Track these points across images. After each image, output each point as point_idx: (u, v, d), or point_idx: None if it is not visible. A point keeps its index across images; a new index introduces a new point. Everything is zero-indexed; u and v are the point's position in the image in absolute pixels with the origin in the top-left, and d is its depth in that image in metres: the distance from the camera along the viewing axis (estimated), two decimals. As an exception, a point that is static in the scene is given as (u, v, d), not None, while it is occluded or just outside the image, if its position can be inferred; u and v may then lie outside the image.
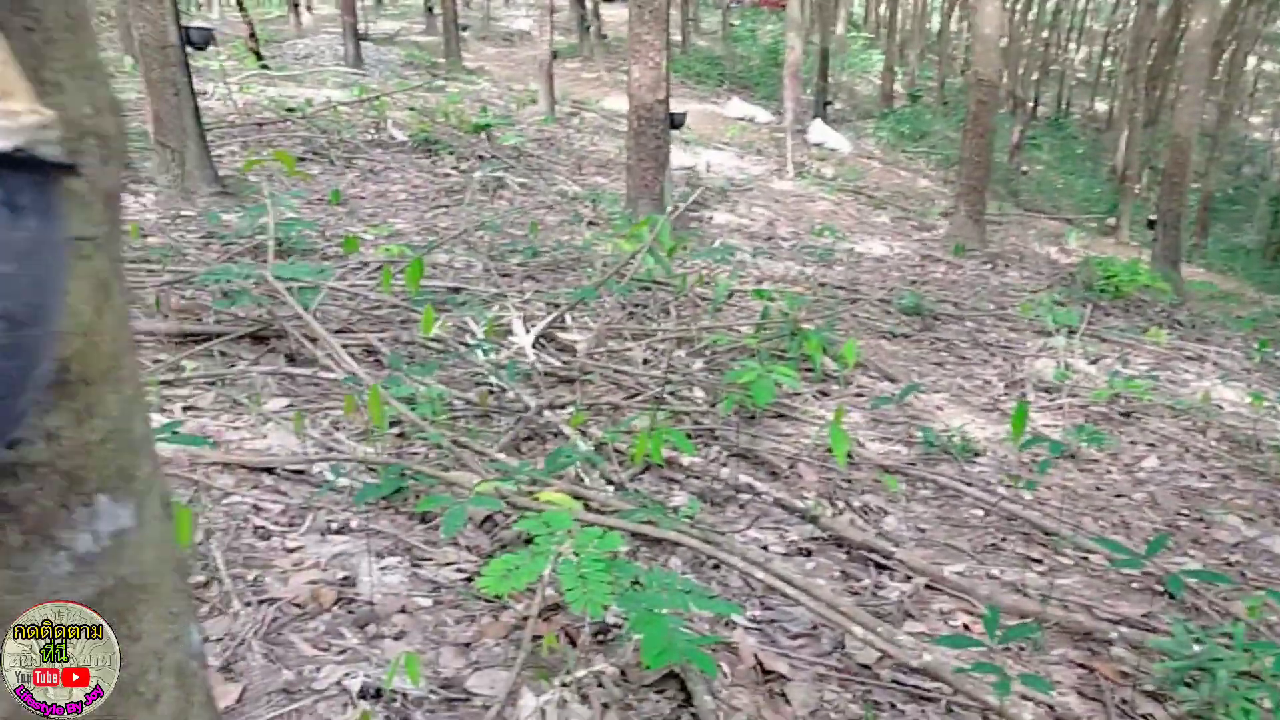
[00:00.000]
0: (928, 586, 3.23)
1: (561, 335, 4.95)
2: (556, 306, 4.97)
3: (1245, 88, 39.38)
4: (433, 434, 3.14)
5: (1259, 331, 10.14)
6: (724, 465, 3.86)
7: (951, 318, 7.22)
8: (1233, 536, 4.17)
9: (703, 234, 8.56)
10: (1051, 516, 3.91)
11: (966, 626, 3.04)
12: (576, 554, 2.22)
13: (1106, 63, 40.11)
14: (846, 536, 3.38)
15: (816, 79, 20.42)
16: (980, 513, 3.91)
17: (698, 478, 3.72)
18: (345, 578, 2.55)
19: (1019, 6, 24.55)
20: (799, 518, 3.51)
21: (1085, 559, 3.63)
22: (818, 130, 18.56)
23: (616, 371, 4.65)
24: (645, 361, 4.88)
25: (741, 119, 18.73)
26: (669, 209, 6.51)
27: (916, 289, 7.98)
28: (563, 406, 4.10)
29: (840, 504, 3.78)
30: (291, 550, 2.67)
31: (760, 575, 2.71)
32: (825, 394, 5.03)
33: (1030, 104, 31.35)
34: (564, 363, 4.63)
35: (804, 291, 7.15)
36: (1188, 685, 2.66)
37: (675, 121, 8.40)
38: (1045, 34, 32.88)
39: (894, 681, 2.62)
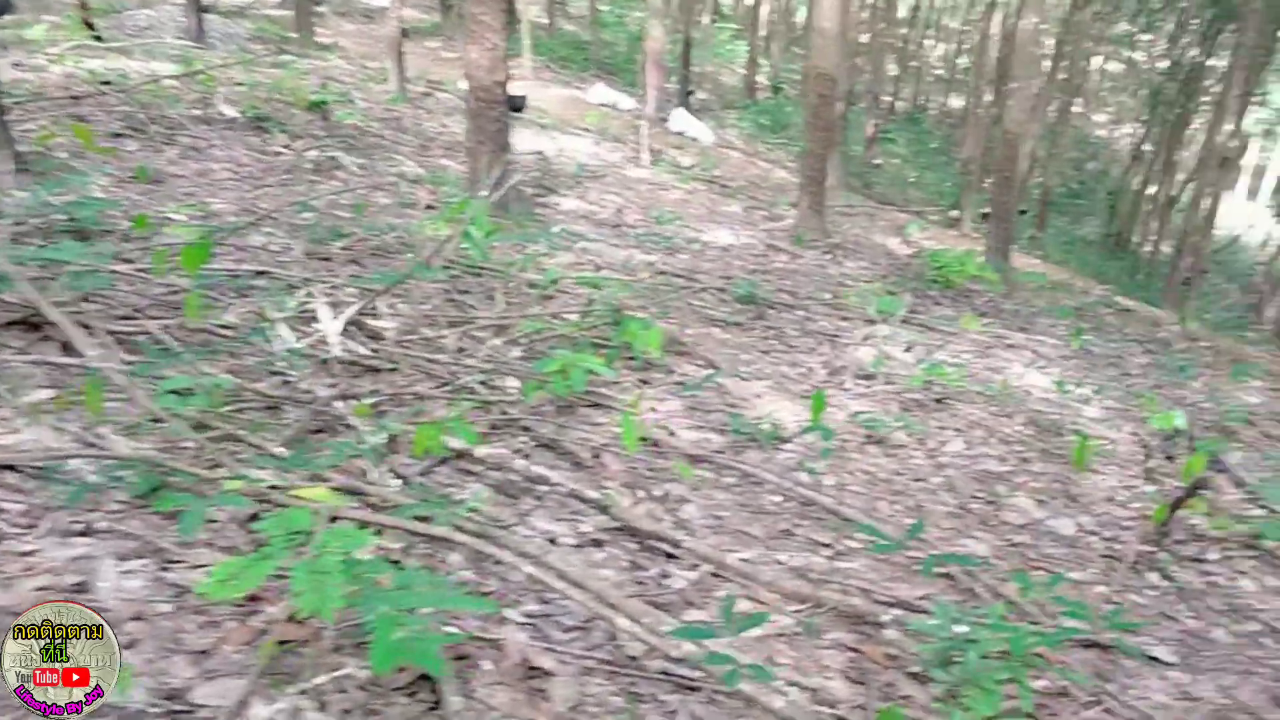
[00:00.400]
0: (713, 574, 3.24)
1: (373, 323, 4.81)
2: (371, 292, 4.82)
3: (1091, 87, 41.37)
4: (173, 427, 2.99)
5: (1078, 319, 10.67)
6: (526, 456, 3.81)
7: (785, 306, 7.33)
8: (1021, 518, 4.34)
9: (548, 220, 8.47)
10: (846, 503, 3.99)
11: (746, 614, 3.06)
12: (316, 554, 2.13)
13: (962, 60, 41.59)
14: (638, 526, 3.37)
15: (680, 68, 20.51)
16: (779, 499, 3.96)
17: (498, 470, 3.66)
18: (79, 583, 2.40)
19: (878, 4, 25.22)
20: (595, 509, 3.48)
21: (873, 542, 3.71)
22: (679, 119, 18.64)
23: (428, 360, 4.54)
24: (460, 350, 4.78)
25: (604, 105, 18.66)
26: (488, 193, 6.41)
27: (756, 278, 8.07)
28: (358, 396, 3.98)
29: (641, 493, 3.77)
30: (25, 554, 2.50)
31: (528, 569, 2.67)
32: (646, 382, 5.02)
33: (887, 99, 32.28)
34: (372, 351, 4.49)
35: (644, 279, 7.14)
36: (946, 666, 2.74)
37: (515, 105, 8.28)
38: (904, 31, 33.82)
39: (662, 673, 2.62)
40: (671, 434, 4.41)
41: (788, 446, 4.53)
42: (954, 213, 17.43)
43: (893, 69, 33.71)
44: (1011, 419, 5.89)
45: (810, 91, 9.49)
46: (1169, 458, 5.66)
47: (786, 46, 32.54)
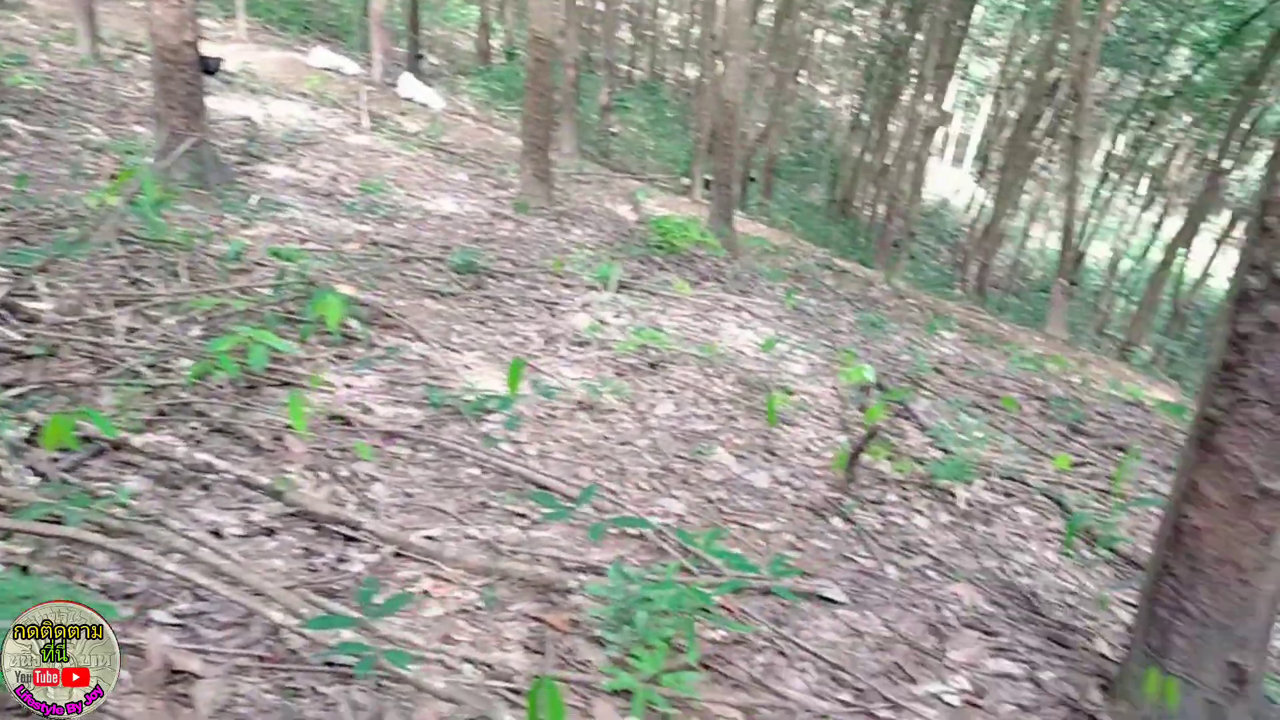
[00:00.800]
0: (396, 554, 3.11)
1: (30, 305, 4.30)
2: (26, 270, 4.31)
3: (815, 59, 43.62)
4: None
5: (796, 281, 11.22)
6: (197, 443, 3.52)
7: (506, 275, 7.23)
8: (720, 474, 4.45)
9: (252, 189, 7.94)
10: (547, 471, 3.95)
11: (427, 592, 2.96)
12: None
13: (696, 30, 42.79)
14: (315, 510, 3.17)
15: (409, 31, 19.87)
16: (477, 471, 3.86)
17: (161, 459, 3.35)
18: None
19: (610, -28, 25.44)
20: (268, 495, 3.25)
21: (570, 510, 3.69)
22: (408, 84, 18.05)
23: (93, 343, 4.11)
24: (131, 330, 4.36)
25: (327, 69, 17.77)
26: (165, 160, 5.91)
27: (477, 247, 7.92)
28: (9, 386, 3.54)
29: (326, 475, 3.57)
30: None
31: (170, 566, 2.44)
32: (344, 358, 4.78)
33: (624, 68, 32.70)
34: (25, 335, 4.02)
35: (353, 250, 6.83)
36: (619, 628, 2.74)
37: (208, 67, 7.70)
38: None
39: (326, 664, 2.46)
40: (367, 411, 4.21)
41: (493, 417, 4.43)
42: (686, 180, 17.89)
43: (629, 38, 34.15)
44: (723, 379, 6.06)
45: (530, 56, 9.38)
46: (861, 409, 6.00)
47: (521, 11, 32.23)
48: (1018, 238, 32.97)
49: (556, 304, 6.86)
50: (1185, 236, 18.51)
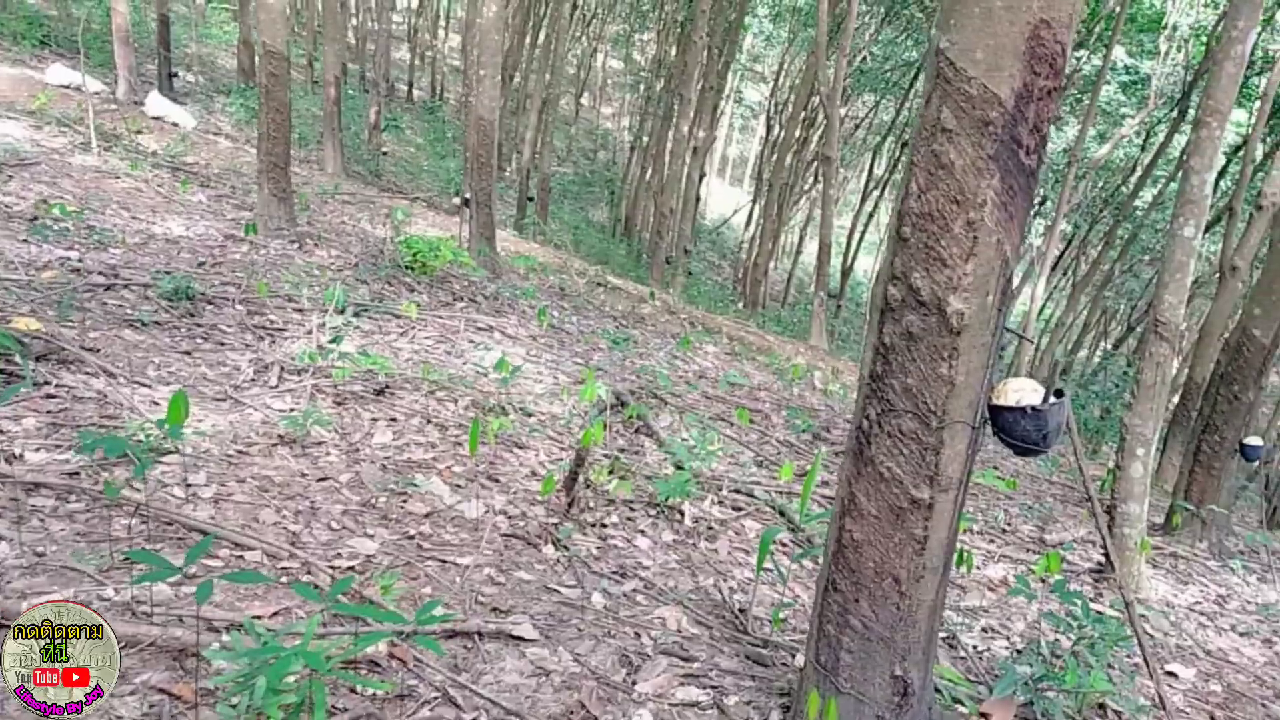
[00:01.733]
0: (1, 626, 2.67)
1: None
2: None
3: (597, 82, 44.09)
4: None
5: (561, 300, 11.09)
6: None
7: (227, 301, 6.71)
8: (429, 507, 4.19)
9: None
10: (222, 517, 3.58)
11: (30, 671, 2.54)
12: None
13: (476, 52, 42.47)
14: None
15: (159, 48, 18.61)
16: (135, 522, 3.45)
17: None
18: None
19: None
20: None
21: (240, 556, 3.34)
22: (156, 102, 16.88)
23: None
24: None
25: (65, 87, 16.39)
26: None
27: (204, 271, 7.35)
28: None
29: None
30: None
31: None
32: None
33: (404, 87, 31.98)
34: None
35: (44, 278, 6.16)
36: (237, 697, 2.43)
37: None
38: (415, 20, 33.68)
39: None
40: (14, 459, 3.71)
41: (169, 459, 4.01)
42: (456, 199, 17.50)
43: (410, 58, 33.46)
44: (456, 403, 5.81)
45: (262, 71, 8.84)
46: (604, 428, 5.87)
47: (292, 30, 31.01)
48: (792, 253, 34.33)
49: (282, 330, 6.42)
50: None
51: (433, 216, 15.90)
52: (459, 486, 4.50)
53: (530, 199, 21.14)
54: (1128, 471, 5.38)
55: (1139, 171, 21.94)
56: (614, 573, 3.98)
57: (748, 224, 33.46)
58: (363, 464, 4.50)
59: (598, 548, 4.20)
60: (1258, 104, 13.18)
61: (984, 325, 2.44)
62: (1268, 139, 14.97)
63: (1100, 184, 26.71)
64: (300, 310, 7.02)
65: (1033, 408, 2.54)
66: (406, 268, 9.10)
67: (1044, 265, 19.06)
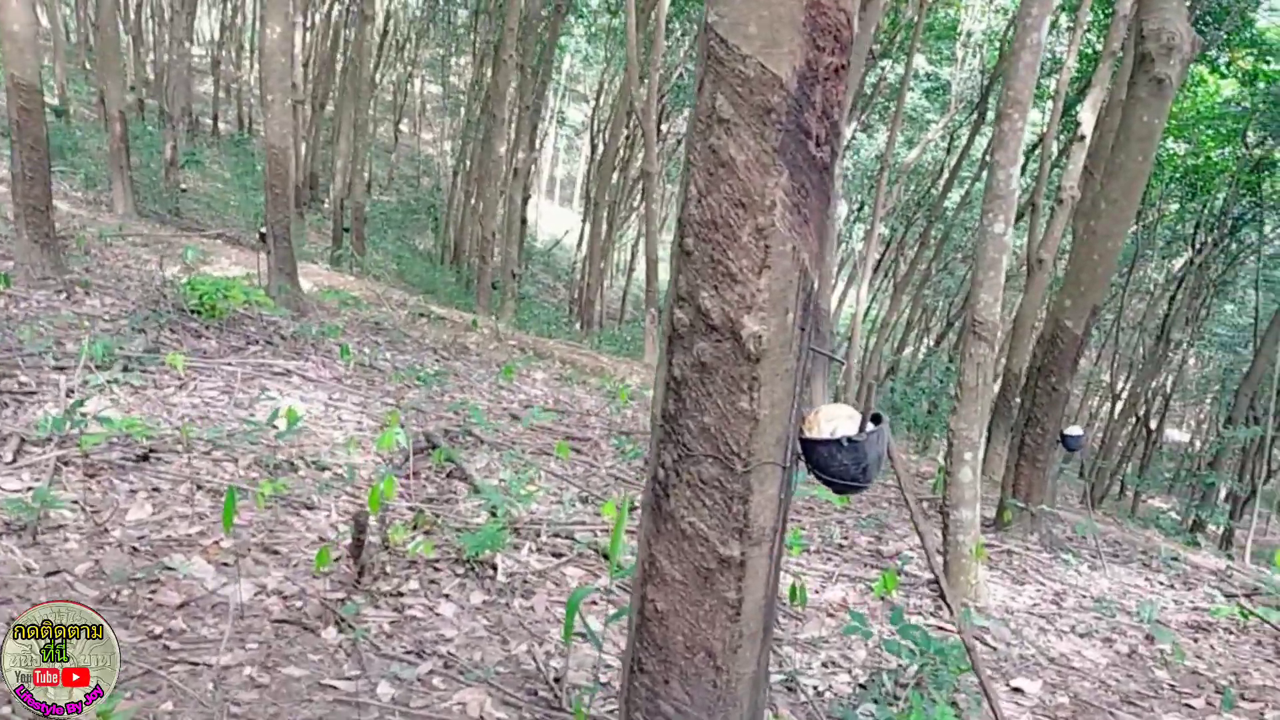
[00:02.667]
0: None
1: None
2: None
3: (415, 107, 43.11)
4: None
5: (374, 334, 10.42)
6: None
7: (-33, 365, 5.82)
8: (185, 595, 3.57)
9: None
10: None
11: None
12: None
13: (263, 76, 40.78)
14: None
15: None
16: None
17: None
18: None
19: (177, 21, 23.25)
20: None
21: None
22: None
23: None
24: None
25: None
26: None
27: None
28: None
29: None
30: None
31: None
32: None
33: (208, 120, 30.33)
34: None
35: None
36: None
37: None
38: (218, 51, 32.04)
39: None
40: None
41: None
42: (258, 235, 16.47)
43: (212, 90, 31.78)
44: (236, 463, 5.16)
45: (13, 107, 7.90)
46: (409, 476, 5.33)
47: (82, 65, 29.05)
48: (626, 271, 34.24)
49: (33, 394, 5.60)
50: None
51: (236, 254, 14.87)
52: (226, 565, 3.88)
53: (346, 230, 20.22)
54: (957, 477, 5.21)
55: (946, 174, 22.76)
56: (408, 653, 3.46)
57: (579, 244, 33.22)
58: (108, 549, 3.83)
59: (391, 623, 3.67)
60: (1050, 103, 13.74)
61: (786, 348, 2.08)
62: (1061, 136, 15.65)
63: (912, 187, 27.70)
64: (60, 370, 6.18)
65: (849, 439, 2.19)
66: (193, 312, 8.28)
67: (865, 268, 19.43)
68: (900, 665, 4.00)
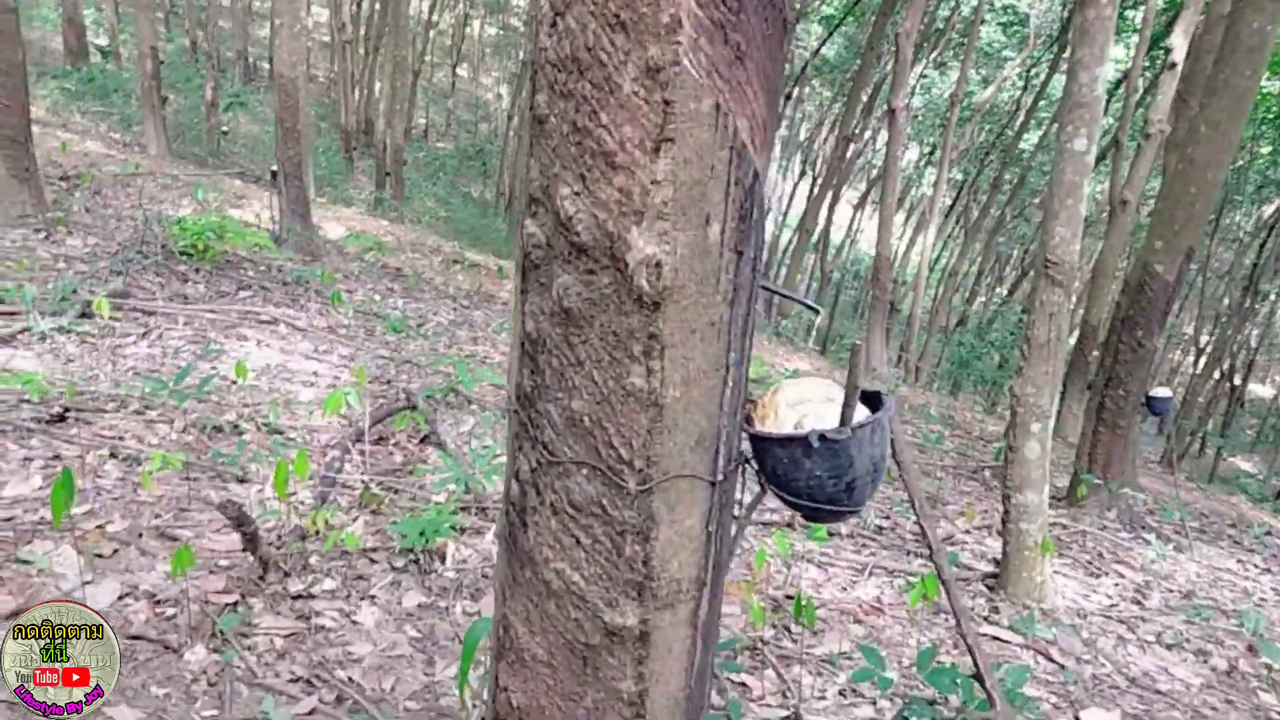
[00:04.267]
0: None
1: None
2: None
3: (474, 51, 42.28)
4: None
5: (392, 282, 9.71)
6: None
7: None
8: (25, 596, 2.84)
9: None
10: None
11: None
12: None
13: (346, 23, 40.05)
14: None
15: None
16: None
17: None
18: None
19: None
20: None
21: None
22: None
23: None
24: None
25: None
26: None
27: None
28: None
29: None
30: None
31: None
32: None
33: (252, 64, 29.86)
34: None
35: None
36: None
37: None
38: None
39: None
40: None
41: None
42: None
43: (264, 32, 31.31)
44: (172, 424, 4.44)
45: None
46: (355, 441, 4.58)
47: (120, 5, 28.64)
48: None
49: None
50: (820, 202, 18.71)
51: (269, 197, 14.26)
52: (101, 557, 3.15)
53: (388, 174, 19.57)
54: (1022, 453, 4.29)
55: (1022, 114, 21.28)
56: (295, 680, 2.70)
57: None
58: (-33, 534, 3.13)
59: (288, 636, 2.91)
60: (1135, 37, 12.44)
61: (709, 286, 1.22)
62: (1147, 71, 14.26)
63: (986, 128, 26.14)
64: (10, 314, 5.53)
65: (823, 436, 1.33)
66: (182, 254, 7.61)
67: (933, 212, 18.21)
68: (941, 698, 3.15)
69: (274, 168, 9.75)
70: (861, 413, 1.42)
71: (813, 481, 1.38)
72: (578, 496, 1.29)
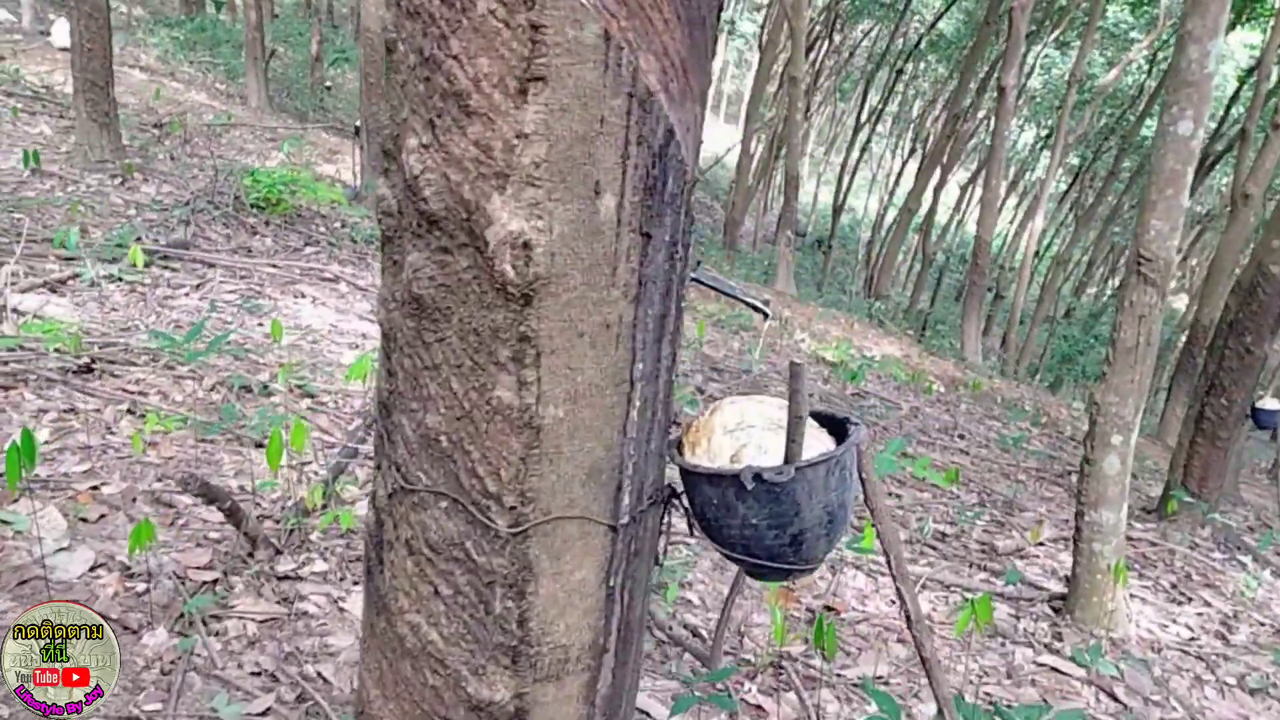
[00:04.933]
0: None
1: None
2: None
3: None
4: None
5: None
6: None
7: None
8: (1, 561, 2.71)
9: None
10: None
11: None
12: None
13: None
14: None
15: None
16: None
17: None
18: None
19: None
20: None
21: None
22: (63, 33, 15.24)
23: None
24: None
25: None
26: None
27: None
28: None
29: None
30: None
31: None
32: None
33: (356, 18, 30.05)
34: None
35: None
36: None
37: None
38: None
39: None
40: None
41: None
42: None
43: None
44: (201, 383, 4.32)
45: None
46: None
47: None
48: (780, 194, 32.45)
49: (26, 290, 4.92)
50: (924, 182, 18.01)
51: (360, 155, 14.28)
52: (85, 521, 3.01)
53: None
54: (1100, 467, 3.87)
55: (1145, 99, 20.10)
56: (260, 672, 2.50)
57: (737, 164, 31.68)
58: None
59: (264, 622, 2.72)
60: (1271, 22, 11.50)
61: (601, 275, 0.93)
62: (1281, 62, 13.21)
63: (1107, 112, 24.82)
64: (69, 259, 5.51)
65: (759, 475, 1.02)
66: (253, 206, 7.55)
67: (1044, 197, 17.34)
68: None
69: (358, 123, 9.66)
70: (821, 445, 1.11)
71: (748, 531, 1.08)
72: (434, 535, 1.01)
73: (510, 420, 0.95)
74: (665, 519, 1.13)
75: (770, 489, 1.04)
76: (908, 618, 1.45)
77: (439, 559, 1.02)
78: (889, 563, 1.46)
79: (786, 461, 1.06)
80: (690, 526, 1.17)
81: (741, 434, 1.09)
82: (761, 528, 1.07)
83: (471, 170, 0.88)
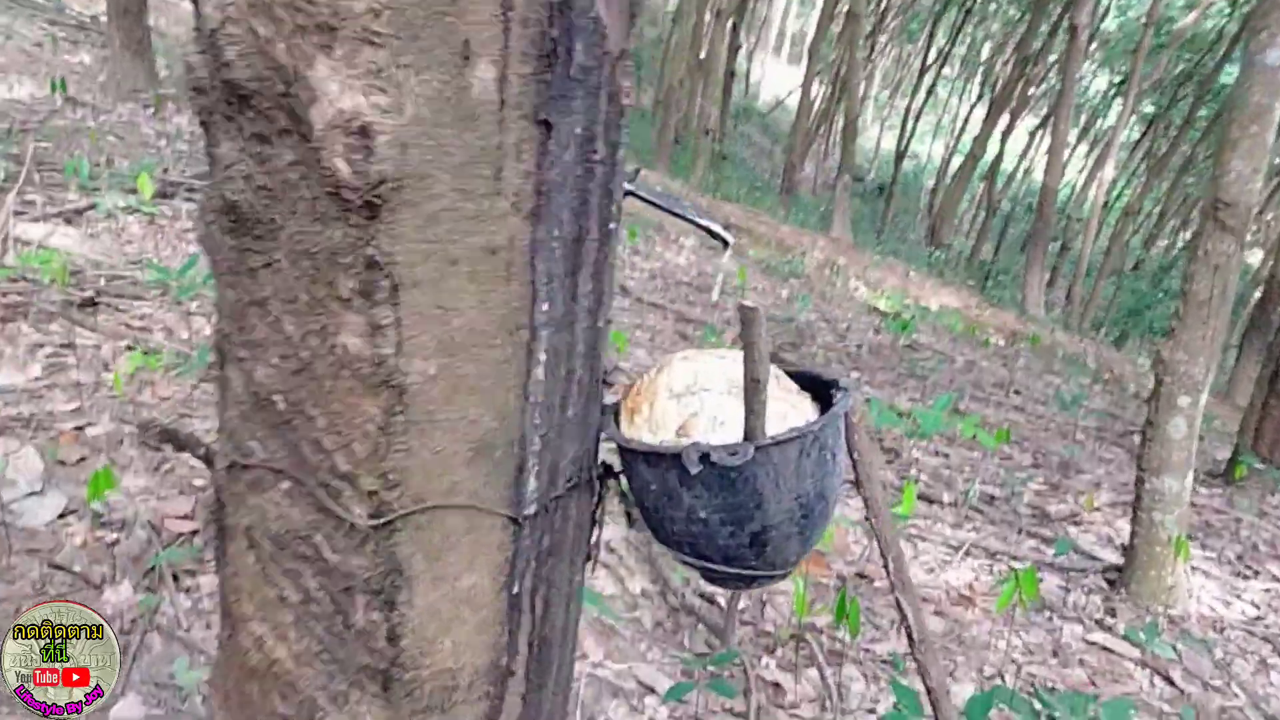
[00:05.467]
0: None
1: None
2: None
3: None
4: None
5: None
6: None
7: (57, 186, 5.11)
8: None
9: None
10: None
11: None
12: None
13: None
14: None
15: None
16: None
17: None
18: None
19: None
20: None
21: None
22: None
23: None
24: None
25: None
26: None
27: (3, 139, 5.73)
28: None
29: None
30: None
31: None
32: None
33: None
34: None
35: None
36: None
37: None
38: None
39: None
40: None
41: None
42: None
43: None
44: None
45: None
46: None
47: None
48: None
49: (39, 219, 4.77)
50: (990, 128, 17.32)
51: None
52: (63, 464, 2.83)
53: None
54: (1164, 430, 3.54)
55: (1225, 44, 19.06)
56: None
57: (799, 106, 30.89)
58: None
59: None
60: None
61: (478, 178, 0.65)
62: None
63: (1185, 58, 23.64)
64: (92, 190, 5.35)
65: (705, 455, 0.74)
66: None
67: (1115, 145, 16.58)
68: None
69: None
70: (801, 416, 0.84)
71: (695, 526, 0.82)
72: (276, 525, 0.77)
73: (362, 376, 0.70)
74: (598, 506, 0.88)
75: (722, 474, 0.78)
76: (910, 637, 1.19)
77: (283, 555, 0.78)
78: (886, 567, 1.19)
79: (747, 437, 0.79)
80: (628, 516, 0.91)
81: (692, 399, 0.83)
82: (713, 522, 0.81)
83: (286, 21, 0.62)
